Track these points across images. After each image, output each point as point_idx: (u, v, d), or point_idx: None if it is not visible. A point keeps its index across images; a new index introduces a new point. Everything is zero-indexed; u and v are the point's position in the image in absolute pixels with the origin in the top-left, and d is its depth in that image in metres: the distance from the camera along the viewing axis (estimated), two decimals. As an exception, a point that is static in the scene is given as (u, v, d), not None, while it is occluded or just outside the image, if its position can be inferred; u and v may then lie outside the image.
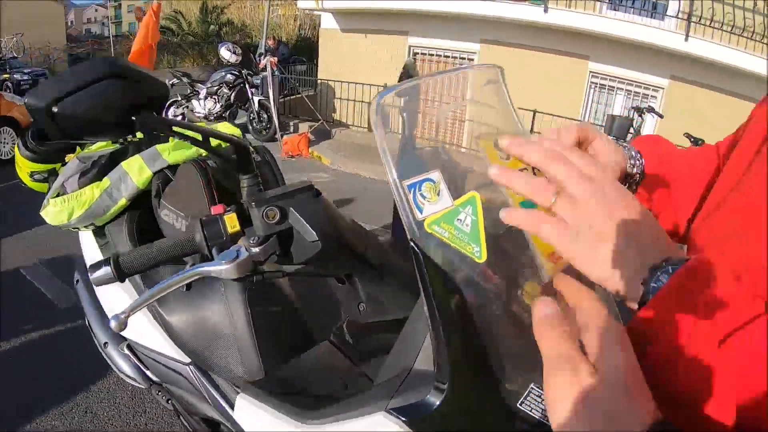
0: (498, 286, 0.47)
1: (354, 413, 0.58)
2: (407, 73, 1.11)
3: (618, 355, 0.30)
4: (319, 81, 8.36)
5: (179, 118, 6.55)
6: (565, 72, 6.82)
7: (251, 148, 1.21)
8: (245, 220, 0.65)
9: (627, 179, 0.61)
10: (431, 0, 6.64)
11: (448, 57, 7.56)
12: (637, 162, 0.62)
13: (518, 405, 0.47)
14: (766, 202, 0.41)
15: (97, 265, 0.64)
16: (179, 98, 6.61)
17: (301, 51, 12.00)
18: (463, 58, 7.42)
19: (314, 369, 0.81)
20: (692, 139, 5.90)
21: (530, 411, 0.47)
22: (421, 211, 0.44)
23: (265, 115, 6.58)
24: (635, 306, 0.36)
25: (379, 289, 0.77)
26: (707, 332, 0.31)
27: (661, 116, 6.24)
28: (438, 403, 0.49)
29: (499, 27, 6.66)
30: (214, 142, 0.87)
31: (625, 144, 0.63)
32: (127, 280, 0.67)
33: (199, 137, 0.80)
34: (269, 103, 6.44)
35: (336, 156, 6.31)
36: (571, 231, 0.37)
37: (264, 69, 6.55)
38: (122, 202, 1.12)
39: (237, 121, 7.02)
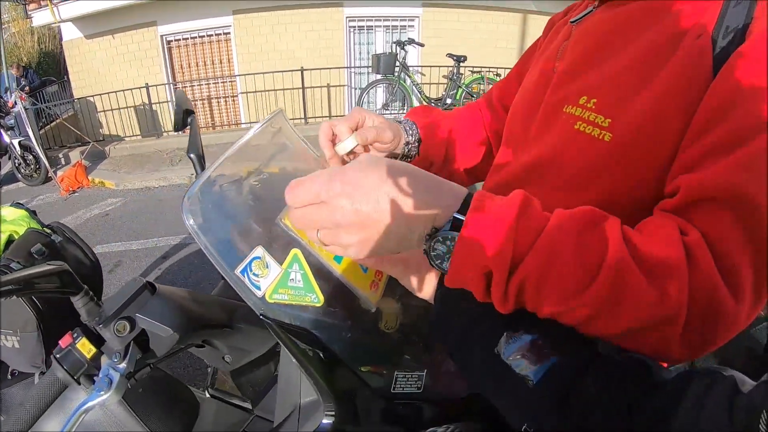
0: (340, 315, 0.54)
1: None
2: (180, 107, 1.01)
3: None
4: (76, 99, 7.32)
5: None
6: (322, 22, 6.94)
7: (55, 239, 1.12)
8: (95, 337, 0.64)
9: (406, 146, 0.69)
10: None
11: (203, 37, 7.21)
12: (410, 129, 0.69)
13: (392, 391, 0.59)
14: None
15: None
16: None
17: (48, 69, 10.26)
18: (219, 34, 7.19)
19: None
20: (455, 57, 6.51)
21: (402, 390, 0.59)
22: (259, 288, 0.49)
23: (30, 156, 5.69)
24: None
25: (235, 338, 0.82)
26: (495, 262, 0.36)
27: (421, 45, 6.74)
28: (332, 422, 0.58)
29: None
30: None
31: (400, 120, 0.71)
32: None
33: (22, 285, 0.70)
34: (31, 142, 5.57)
35: (118, 175, 5.87)
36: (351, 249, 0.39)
37: (15, 106, 5.67)
38: None
39: (3, 171, 6.09)
